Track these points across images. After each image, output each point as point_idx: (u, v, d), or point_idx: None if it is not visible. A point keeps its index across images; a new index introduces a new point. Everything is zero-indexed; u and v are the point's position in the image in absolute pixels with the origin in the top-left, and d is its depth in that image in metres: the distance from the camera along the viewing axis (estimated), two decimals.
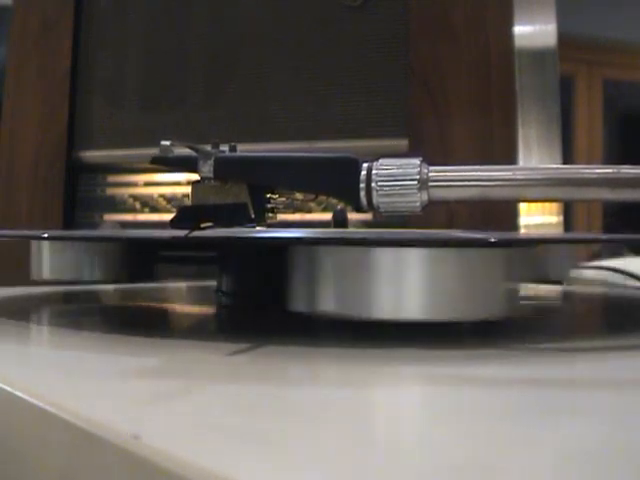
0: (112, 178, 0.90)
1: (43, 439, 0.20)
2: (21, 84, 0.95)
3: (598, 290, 0.69)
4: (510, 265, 0.29)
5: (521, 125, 0.80)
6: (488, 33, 0.81)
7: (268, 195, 0.32)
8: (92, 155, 0.91)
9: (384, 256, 0.27)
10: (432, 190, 0.30)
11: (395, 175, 0.30)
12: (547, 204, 0.79)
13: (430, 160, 0.31)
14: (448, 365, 0.27)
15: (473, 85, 0.81)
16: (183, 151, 0.32)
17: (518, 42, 0.81)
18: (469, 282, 0.28)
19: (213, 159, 0.31)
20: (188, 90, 0.89)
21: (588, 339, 0.34)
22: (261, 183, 0.32)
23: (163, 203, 0.88)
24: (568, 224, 0.89)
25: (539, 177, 0.31)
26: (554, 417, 0.20)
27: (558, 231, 0.82)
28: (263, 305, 0.39)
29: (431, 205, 0.31)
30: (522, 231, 0.78)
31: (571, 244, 0.31)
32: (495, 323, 0.36)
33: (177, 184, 0.87)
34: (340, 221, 0.44)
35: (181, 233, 0.31)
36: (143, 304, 0.49)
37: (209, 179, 0.31)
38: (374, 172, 0.31)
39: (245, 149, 0.34)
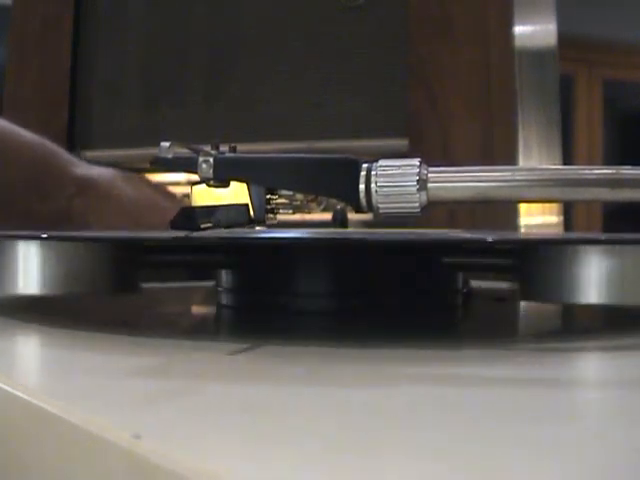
0: None
1: (43, 439, 0.20)
2: (21, 84, 0.94)
3: None
4: None
5: (521, 125, 0.80)
6: (488, 33, 0.81)
7: (268, 196, 0.32)
8: (92, 155, 0.91)
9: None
10: (431, 191, 0.30)
11: (394, 176, 0.30)
12: (547, 204, 0.79)
13: (430, 160, 0.31)
14: (448, 365, 0.27)
15: (473, 85, 0.81)
16: (183, 152, 0.32)
17: (518, 42, 0.81)
18: None
19: (213, 160, 0.31)
20: (188, 90, 0.89)
21: (588, 339, 0.34)
22: (261, 184, 0.32)
23: None
24: (568, 224, 0.89)
25: (539, 178, 0.31)
26: (554, 417, 0.20)
27: (558, 231, 0.82)
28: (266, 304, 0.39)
29: (430, 206, 0.31)
30: (522, 231, 0.78)
31: (571, 244, 0.31)
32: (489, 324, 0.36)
33: (177, 184, 0.87)
34: (340, 221, 0.44)
35: (181, 234, 0.31)
36: (143, 304, 0.49)
37: (209, 180, 0.31)
38: (373, 173, 0.31)
39: (245, 149, 0.34)
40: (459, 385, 0.24)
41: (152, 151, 0.31)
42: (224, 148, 0.33)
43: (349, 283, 0.39)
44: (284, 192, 0.32)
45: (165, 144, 0.31)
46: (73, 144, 0.91)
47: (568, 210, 1.05)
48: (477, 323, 0.41)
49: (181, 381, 0.24)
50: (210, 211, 0.31)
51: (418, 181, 0.30)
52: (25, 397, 0.21)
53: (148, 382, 0.24)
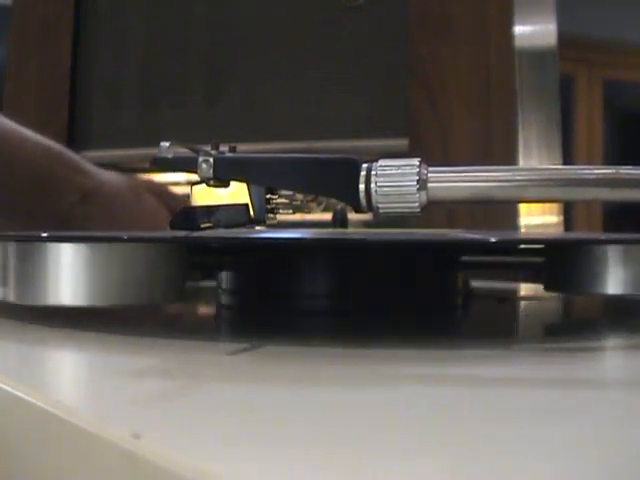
0: None
1: (43, 439, 0.20)
2: (21, 84, 0.95)
3: None
4: None
5: (521, 125, 0.80)
6: (488, 33, 0.81)
7: (268, 196, 0.32)
8: (92, 155, 0.91)
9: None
10: (431, 191, 0.30)
11: (394, 176, 0.30)
12: (547, 204, 0.80)
13: (430, 160, 0.31)
14: (448, 365, 0.27)
15: (473, 85, 0.81)
16: (183, 152, 0.32)
17: (518, 42, 0.81)
18: None
19: (213, 160, 0.31)
20: (188, 90, 0.89)
21: (589, 339, 0.34)
22: (261, 184, 0.32)
23: None
24: (568, 224, 0.89)
25: (539, 178, 0.31)
26: (555, 417, 0.20)
27: (558, 231, 0.82)
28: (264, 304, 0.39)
29: (430, 206, 0.31)
30: (522, 231, 0.78)
31: (571, 245, 0.31)
32: (498, 324, 0.36)
33: (177, 184, 0.87)
34: (340, 221, 0.44)
35: (181, 234, 0.31)
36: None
37: (209, 180, 0.31)
38: (373, 173, 0.31)
39: (245, 149, 0.34)
40: (459, 385, 0.24)
41: (152, 151, 0.31)
42: (224, 148, 0.33)
43: (349, 283, 0.39)
44: (284, 192, 0.32)
45: (165, 144, 0.31)
46: (73, 144, 0.92)
47: (568, 210, 1.05)
48: (477, 323, 0.41)
49: (181, 381, 0.24)
50: (210, 211, 0.31)
51: (418, 181, 0.30)
52: (25, 397, 0.21)
53: (148, 382, 0.24)
